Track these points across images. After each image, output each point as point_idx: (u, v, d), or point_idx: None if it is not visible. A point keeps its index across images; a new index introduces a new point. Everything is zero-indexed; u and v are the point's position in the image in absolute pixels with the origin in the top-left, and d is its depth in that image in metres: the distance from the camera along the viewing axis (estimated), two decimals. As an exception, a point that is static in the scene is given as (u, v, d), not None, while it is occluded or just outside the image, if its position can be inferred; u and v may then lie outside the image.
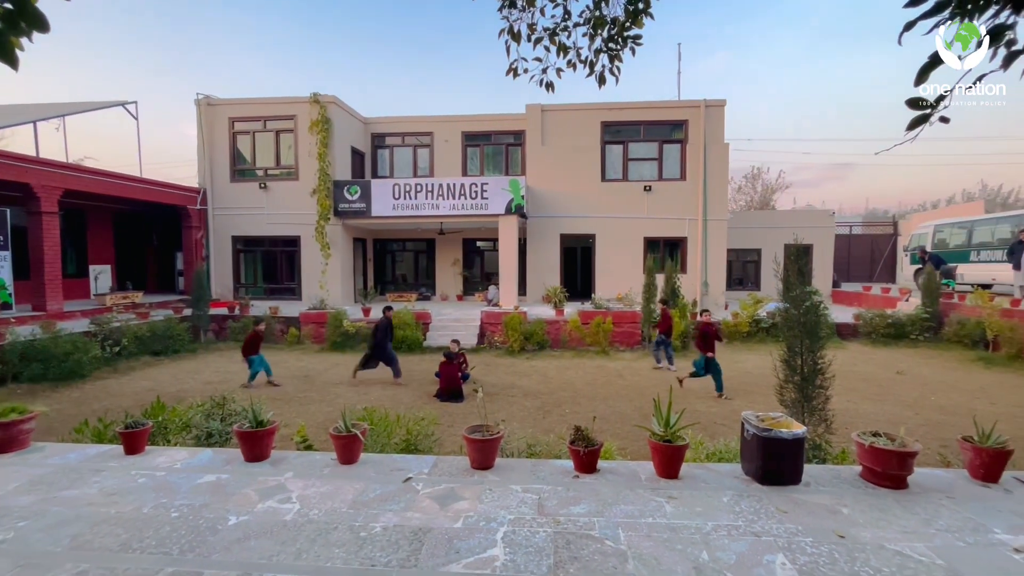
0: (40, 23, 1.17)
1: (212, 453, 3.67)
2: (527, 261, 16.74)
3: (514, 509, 2.84)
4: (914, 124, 1.56)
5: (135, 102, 15.10)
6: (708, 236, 16.12)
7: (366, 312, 13.62)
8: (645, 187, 16.14)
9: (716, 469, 3.44)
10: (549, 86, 3.54)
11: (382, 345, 9.48)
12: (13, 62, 1.18)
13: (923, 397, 8.35)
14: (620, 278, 16.06)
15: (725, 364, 11.25)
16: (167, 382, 9.68)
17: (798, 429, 3.15)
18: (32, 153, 12.04)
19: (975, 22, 1.65)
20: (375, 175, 18.26)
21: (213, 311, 13.85)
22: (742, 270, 19.88)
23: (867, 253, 22.69)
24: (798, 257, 4.35)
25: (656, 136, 16.34)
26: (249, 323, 13.30)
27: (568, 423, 7.35)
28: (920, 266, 14.97)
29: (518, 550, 2.43)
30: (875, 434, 3.29)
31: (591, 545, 2.47)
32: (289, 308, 14.43)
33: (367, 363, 9.59)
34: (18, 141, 25.73)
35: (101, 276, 15.35)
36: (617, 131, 16.45)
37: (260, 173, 16.42)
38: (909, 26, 1.64)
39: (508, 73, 3.44)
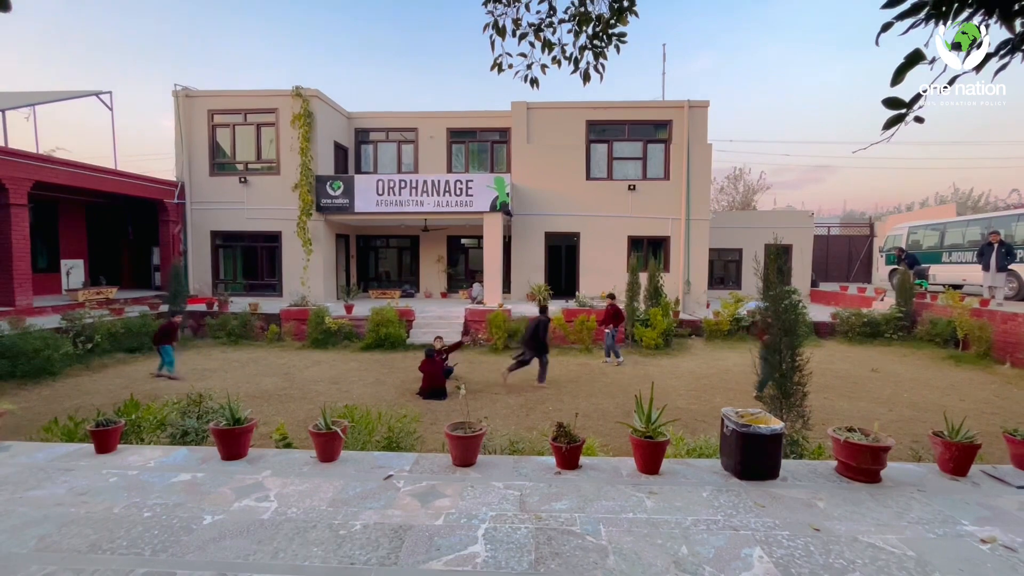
0: (2, 4, 1.11)
1: (187, 451, 3.59)
2: (512, 259, 16.73)
3: (496, 506, 2.83)
4: (890, 124, 1.59)
5: (109, 92, 14.70)
6: (691, 235, 16.30)
7: (348, 309, 13.47)
8: (629, 186, 16.25)
9: (696, 464, 3.48)
10: (534, 82, 3.53)
11: (541, 345, 9.25)
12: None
13: (896, 394, 8.56)
14: (605, 276, 16.15)
15: (707, 361, 11.45)
16: (142, 380, 9.45)
17: (776, 425, 3.20)
18: (1, 143, 11.64)
19: (949, 24, 1.69)
20: (358, 171, 18.06)
21: (191, 307, 13.56)
22: (723, 269, 20.16)
23: (844, 253, 23.20)
24: (778, 257, 4.41)
25: (640, 136, 16.45)
26: (229, 319, 13.07)
27: (551, 420, 7.37)
28: (896, 266, 15.36)
29: (499, 547, 2.42)
30: (850, 429, 3.36)
31: (572, 541, 2.48)
32: (269, 305, 14.21)
33: (520, 363, 9.31)
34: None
35: (73, 271, 14.92)
36: (602, 130, 16.52)
37: (240, 167, 16.11)
38: (886, 27, 1.67)
39: (493, 68, 3.42)
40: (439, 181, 15.04)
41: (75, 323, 10.45)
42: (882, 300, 14.74)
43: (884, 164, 59.78)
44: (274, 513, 2.72)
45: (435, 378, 8.36)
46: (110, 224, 17.19)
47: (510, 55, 3.40)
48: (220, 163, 16.17)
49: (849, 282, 21.14)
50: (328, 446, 3.39)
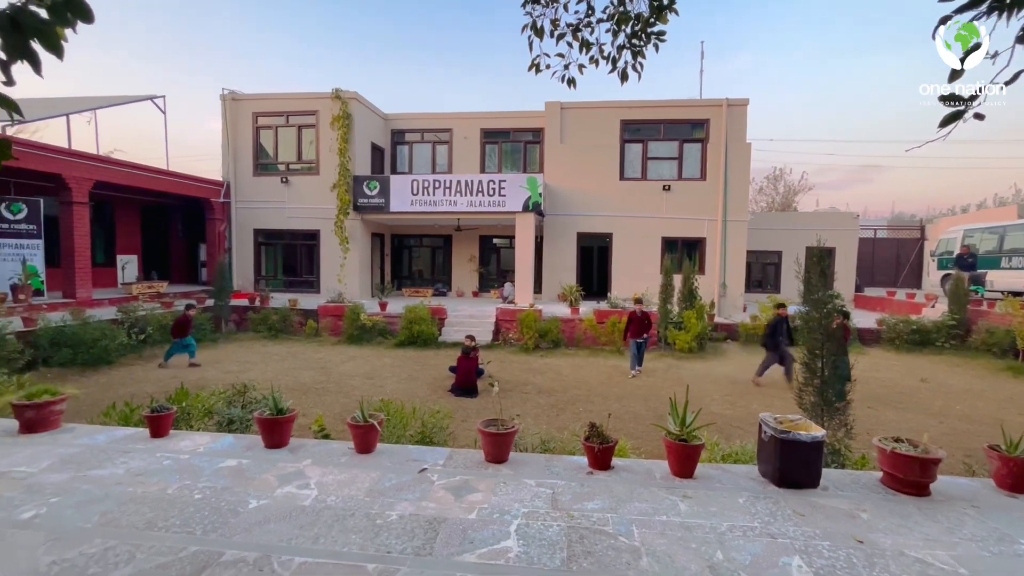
0: (85, 13, 1.21)
1: (233, 439, 3.76)
2: (543, 259, 16.71)
3: (528, 503, 2.86)
4: (947, 121, 1.53)
5: (163, 96, 15.48)
6: (727, 237, 15.90)
7: (383, 306, 13.75)
8: (664, 186, 15.98)
9: (732, 470, 3.41)
10: (571, 82, 3.54)
11: (781, 344, 9.22)
12: (59, 52, 1.23)
13: (948, 406, 8.14)
14: (637, 278, 15.94)
15: (742, 366, 11.15)
16: (189, 370, 9.91)
17: (817, 432, 3.11)
18: (65, 145, 12.42)
19: (1015, 18, 1.60)
20: (394, 171, 18.41)
21: (234, 302, 14.13)
22: (761, 272, 19.59)
23: (892, 257, 22.16)
24: (821, 260, 4.27)
25: (676, 135, 16.16)
26: (269, 314, 13.56)
27: (582, 421, 7.35)
28: (949, 271, 14.57)
29: (531, 543, 2.45)
30: (897, 440, 3.22)
31: (604, 540, 2.48)
32: (308, 301, 14.65)
33: (767, 365, 9.42)
34: (50, 134, 26.56)
35: (128, 265, 15.77)
36: (636, 130, 16.31)
37: (282, 167, 16.68)
38: (944, 20, 1.60)
39: (530, 69, 3.45)
40: (472, 181, 15.17)
41: (129, 315, 11.06)
42: (933, 306, 14.02)
43: (938, 164, 56.72)
44: (314, 500, 2.83)
45: (468, 376, 8.45)
46: (161, 222, 18.09)
47: (548, 55, 3.42)
48: (263, 164, 16.78)
49: (897, 287, 20.17)
50: (365, 438, 3.49)
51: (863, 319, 14.08)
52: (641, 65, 3.41)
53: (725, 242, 15.92)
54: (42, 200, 11.67)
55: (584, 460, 3.44)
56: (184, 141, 53.80)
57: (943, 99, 1.54)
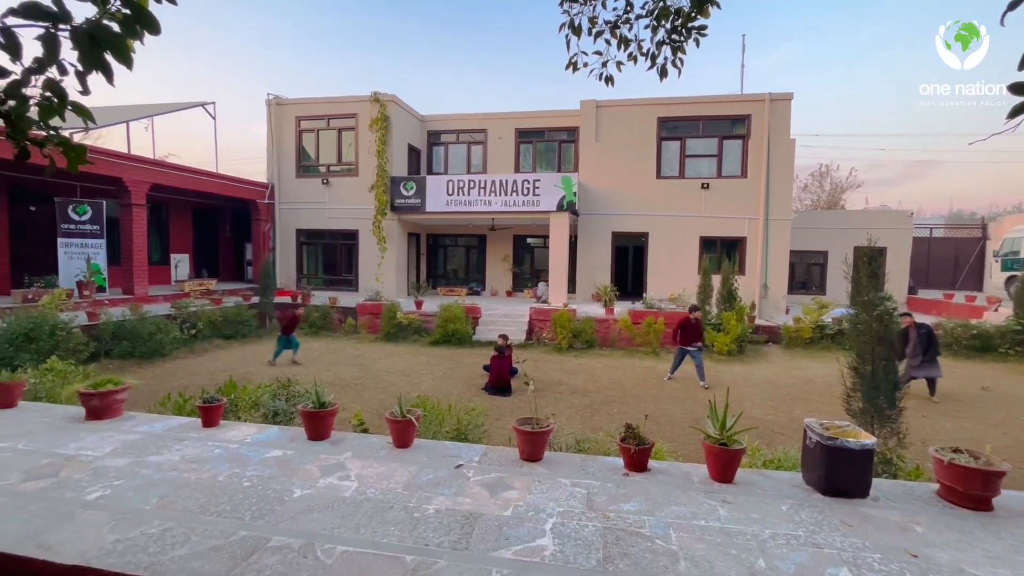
0: (152, 25, 1.30)
1: (279, 430, 3.91)
2: (577, 259, 16.61)
3: (563, 502, 2.85)
4: (1016, 112, 1.43)
5: (213, 103, 16.22)
6: (769, 236, 15.38)
7: (418, 305, 13.99)
8: (702, 184, 15.61)
9: (774, 476, 3.31)
10: (609, 80, 3.51)
11: (931, 357, 8.38)
12: (129, 63, 1.33)
13: (1012, 416, 7.63)
14: (673, 278, 15.64)
15: (785, 370, 10.77)
16: (236, 363, 10.36)
17: (867, 439, 2.97)
18: (125, 150, 13.20)
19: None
20: (430, 172, 18.68)
21: (277, 299, 14.66)
22: (806, 273, 18.85)
23: (950, 258, 20.90)
24: (871, 260, 4.08)
25: (716, 132, 15.75)
26: (311, 311, 14.01)
27: (616, 422, 7.26)
28: (1014, 273, 13.64)
29: (567, 542, 2.45)
30: (956, 450, 3.04)
31: (641, 543, 2.45)
32: (347, 299, 15.04)
33: (911, 376, 8.51)
34: (112, 140, 28.26)
35: (180, 264, 16.62)
36: (674, 127, 15.99)
37: (323, 169, 17.20)
38: (1014, 5, 1.50)
39: (568, 67, 3.44)
40: (506, 181, 15.24)
41: (182, 311, 11.65)
42: (996, 310, 13.14)
43: (1001, 158, 53.08)
44: (355, 492, 2.91)
45: (502, 375, 8.50)
46: (210, 222, 18.98)
47: (585, 53, 3.40)
48: (305, 166, 17.35)
49: (955, 289, 19.01)
50: (403, 433, 3.56)
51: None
52: (681, 61, 3.35)
53: (767, 242, 15.40)
54: (104, 202, 12.43)
55: (619, 461, 3.40)
56: (233, 145, 56.22)
57: (1012, 88, 1.44)
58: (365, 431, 4.66)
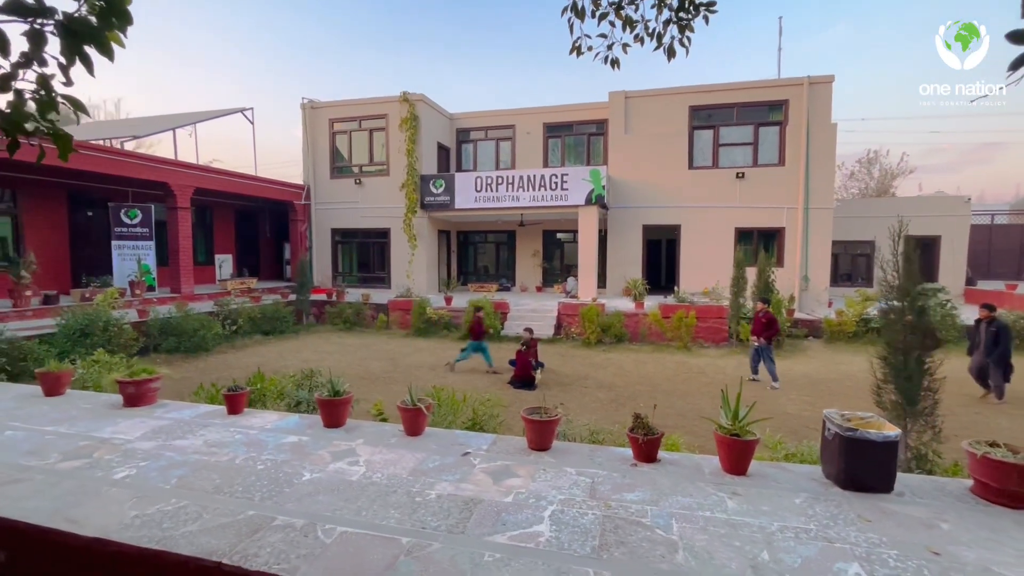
0: (124, 16, 1.36)
1: (299, 418, 4.05)
2: (607, 253, 16.40)
3: (566, 490, 2.83)
4: (1018, 63, 1.29)
5: (251, 108, 16.91)
6: (810, 226, 14.72)
7: (448, 301, 14.16)
8: (737, 174, 15.09)
9: (792, 469, 3.17)
10: (615, 63, 3.43)
11: (998, 358, 7.48)
12: (110, 54, 1.40)
13: (1079, 414, 7.04)
14: (707, 271, 15.19)
15: (824, 364, 10.29)
16: (273, 358, 10.77)
17: (890, 431, 2.80)
18: (172, 157, 13.96)
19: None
20: (459, 169, 18.84)
21: (314, 297, 15.17)
22: (851, 264, 17.95)
23: (1016, 246, 19.41)
24: (913, 245, 3.84)
25: (751, 119, 15.19)
26: (344, 308, 14.42)
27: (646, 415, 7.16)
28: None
29: (564, 528, 2.42)
30: (992, 444, 2.83)
31: (640, 532, 2.40)
32: (379, 296, 15.39)
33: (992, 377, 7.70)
34: (162, 148, 29.90)
35: (224, 264, 17.42)
36: (707, 115, 15.52)
37: (355, 170, 17.63)
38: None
39: (572, 52, 3.39)
40: (534, 176, 15.20)
41: (223, 308, 12.20)
42: (1065, 301, 12.14)
43: (1077, 137, 48.67)
44: (361, 476, 2.98)
45: (526, 368, 8.50)
46: (252, 224, 19.80)
47: (589, 36, 3.34)
48: (339, 167, 17.84)
49: (1019, 280, 17.67)
50: (413, 421, 3.62)
51: (974, 315, 12.47)
52: (689, 40, 3.24)
53: (807, 232, 14.75)
54: (153, 206, 13.16)
55: (630, 452, 3.34)
56: (277, 149, 58.36)
57: (1010, 37, 1.30)
58: (384, 420, 4.76)
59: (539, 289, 18.23)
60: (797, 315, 13.37)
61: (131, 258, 12.74)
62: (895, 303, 3.74)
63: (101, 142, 14.70)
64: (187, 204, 13.46)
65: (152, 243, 13.15)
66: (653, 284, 15.97)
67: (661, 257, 17.10)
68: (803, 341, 12.43)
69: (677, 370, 9.90)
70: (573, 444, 3.65)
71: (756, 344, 8.82)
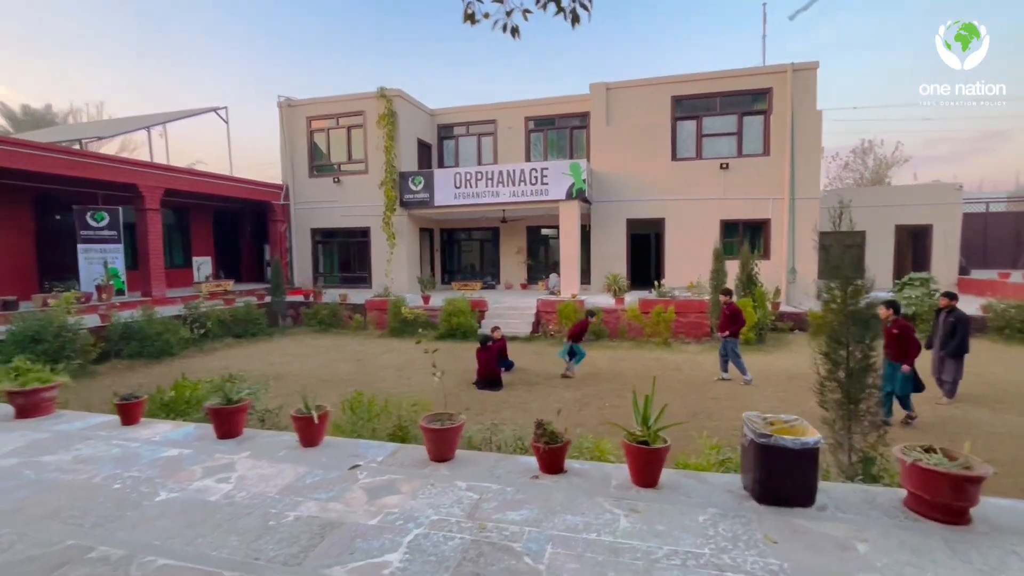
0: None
1: (195, 428, 3.74)
2: (591, 248, 16.03)
3: (445, 509, 2.51)
4: None
5: (225, 107, 16.60)
6: (796, 217, 14.32)
7: (426, 300, 13.85)
8: (721, 165, 14.70)
9: (710, 480, 2.84)
10: (515, 31, 3.10)
11: (952, 351, 6.86)
12: None
13: (1064, 407, 6.67)
14: (693, 265, 14.79)
15: (807, 359, 9.91)
16: (239, 361, 10.48)
17: (810, 437, 2.47)
18: (147, 158, 13.68)
19: None
20: (441, 166, 18.49)
21: (291, 298, 14.88)
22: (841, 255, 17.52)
23: (1010, 235, 18.94)
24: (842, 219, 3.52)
25: (735, 108, 14.79)
26: (320, 309, 14.12)
27: (605, 417, 6.80)
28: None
29: (418, 557, 2.10)
30: (928, 449, 2.49)
31: (504, 560, 2.08)
32: (360, 296, 15.05)
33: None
34: (145, 150, 29.65)
35: (203, 266, 17.16)
36: (690, 105, 15.12)
37: (334, 168, 17.31)
38: None
39: (465, 21, 3.06)
40: (514, 171, 14.85)
41: (192, 311, 11.92)
42: (1059, 289, 11.73)
43: (1080, 123, 47.86)
44: (223, 496, 2.67)
45: (488, 367, 8.17)
46: (232, 226, 19.51)
47: (481, 1, 3.01)
48: (317, 165, 17.52)
49: (1015, 269, 17.23)
50: (306, 431, 3.31)
51: (965, 305, 12.04)
52: (591, 1, 2.91)
53: (793, 223, 14.35)
54: (121, 209, 12.89)
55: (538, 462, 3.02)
56: (259, 149, 57.70)
57: None
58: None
59: (524, 286, 17.89)
60: (783, 308, 13.01)
61: (98, 262, 12.48)
62: (836, 292, 3.41)
63: (77, 145, 14.49)
64: (157, 206, 13.18)
65: (120, 246, 12.87)
66: (640, 279, 15.61)
67: (650, 251, 16.72)
68: (788, 335, 12.08)
69: (652, 367, 9.54)
70: (480, 453, 3.33)
71: (722, 338, 8.43)
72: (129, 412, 3.78)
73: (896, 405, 6.19)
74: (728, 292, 8.93)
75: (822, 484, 2.64)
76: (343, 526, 2.36)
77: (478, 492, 2.68)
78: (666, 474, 2.82)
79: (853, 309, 3.29)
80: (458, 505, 2.54)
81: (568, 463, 2.98)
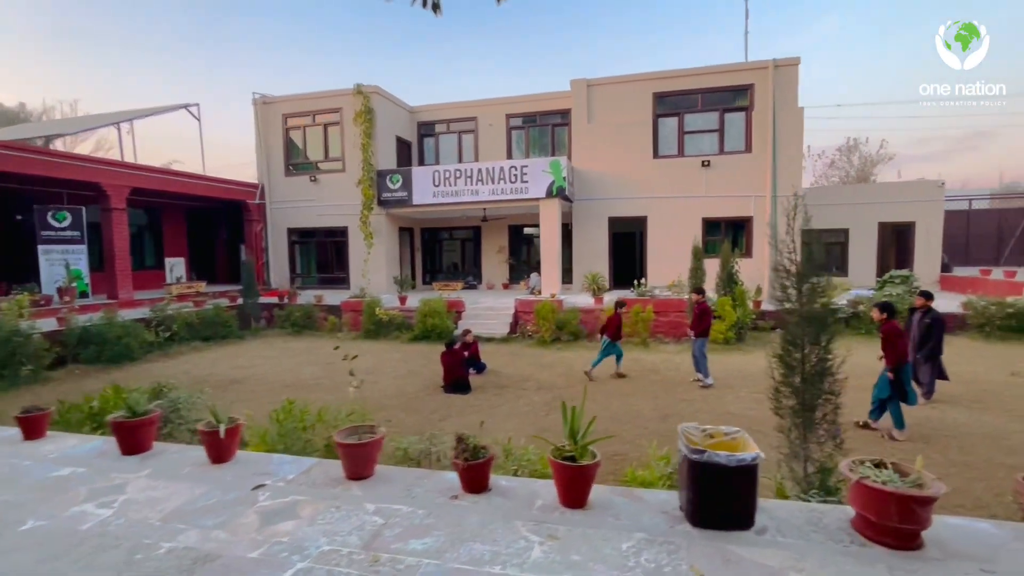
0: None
1: (101, 442, 3.44)
2: (573, 247, 15.78)
3: (340, 538, 2.23)
4: None
5: (197, 104, 16.18)
6: (778, 215, 14.16)
7: (402, 301, 13.53)
8: (703, 162, 14.51)
9: (646, 499, 2.58)
10: (436, 7, 2.83)
11: (928, 354, 6.55)
12: None
13: (1042, 407, 6.51)
14: (675, 264, 14.54)
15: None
16: (204, 366, 10.13)
17: (748, 453, 2.22)
18: (117, 156, 13.25)
19: None
20: (421, 164, 18.16)
21: (266, 300, 14.50)
22: (825, 252, 17.43)
23: (993, 232, 18.94)
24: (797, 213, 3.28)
25: (716, 104, 14.60)
26: (293, 311, 13.76)
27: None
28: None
29: (289, 599, 1.83)
30: (878, 464, 2.25)
31: (386, 602, 1.80)
32: (338, 297, 14.68)
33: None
34: (115, 149, 29.00)
35: (175, 267, 16.72)
36: (671, 102, 14.91)
37: (311, 166, 16.94)
38: None
39: (380, -6, 2.78)
40: (493, 169, 14.57)
41: (158, 314, 11.52)
42: (1039, 286, 11.65)
43: (1062, 122, 48.33)
44: (97, 523, 2.37)
45: (454, 371, 7.90)
46: (206, 226, 19.05)
47: (394, -26, 2.74)
48: (294, 164, 17.13)
49: (998, 266, 17.21)
50: (214, 446, 3.01)
51: (947, 302, 11.94)
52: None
53: (776, 221, 14.19)
54: (84, 208, 12.46)
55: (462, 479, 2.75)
56: (236, 148, 56.62)
57: None
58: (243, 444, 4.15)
59: (506, 286, 17.61)
60: (764, 306, 12.83)
61: (60, 263, 12.05)
62: (791, 291, 3.17)
63: (41, 143, 14.04)
64: (123, 205, 12.76)
65: (84, 247, 12.45)
66: (624, 278, 15.37)
67: (634, 250, 16.49)
68: (769, 333, 11.88)
69: (627, 368, 9.31)
70: (403, 470, 3.05)
71: (693, 338, 8.21)
72: (31, 426, 3.46)
73: (907, 415, 5.84)
74: (700, 291, 8.68)
75: (765, 503, 2.40)
76: (218, 559, 2.07)
77: (385, 516, 2.41)
78: (598, 491, 2.56)
79: (807, 310, 3.05)
80: (357, 532, 2.27)
81: (495, 480, 2.72)
